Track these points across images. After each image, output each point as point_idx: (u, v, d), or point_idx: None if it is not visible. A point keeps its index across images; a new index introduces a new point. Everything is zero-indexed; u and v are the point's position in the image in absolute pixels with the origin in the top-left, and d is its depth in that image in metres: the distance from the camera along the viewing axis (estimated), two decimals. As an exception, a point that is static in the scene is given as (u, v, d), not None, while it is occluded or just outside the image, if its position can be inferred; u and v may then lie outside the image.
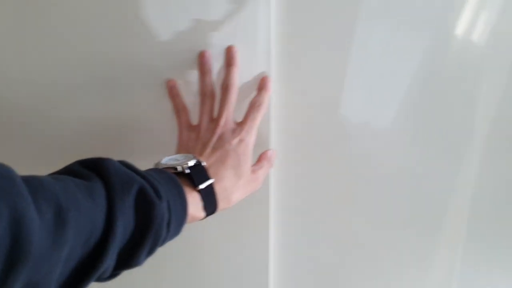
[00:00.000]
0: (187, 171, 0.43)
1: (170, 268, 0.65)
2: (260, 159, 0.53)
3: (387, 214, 0.63)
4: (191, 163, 0.44)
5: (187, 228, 0.43)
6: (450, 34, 0.55)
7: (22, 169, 0.32)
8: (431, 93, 0.57)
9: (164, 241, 0.39)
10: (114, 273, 0.37)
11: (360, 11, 0.52)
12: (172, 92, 0.53)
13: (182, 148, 0.51)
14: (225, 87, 0.51)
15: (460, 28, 0.54)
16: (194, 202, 0.42)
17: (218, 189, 0.45)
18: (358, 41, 0.54)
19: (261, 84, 0.53)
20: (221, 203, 0.45)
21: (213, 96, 0.52)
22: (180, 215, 0.40)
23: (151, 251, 0.38)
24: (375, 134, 0.59)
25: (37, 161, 0.56)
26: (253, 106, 0.51)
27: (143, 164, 0.42)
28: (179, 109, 0.53)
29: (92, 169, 0.37)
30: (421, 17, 0.53)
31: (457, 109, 0.58)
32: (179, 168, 0.43)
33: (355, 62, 0.55)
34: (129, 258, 0.36)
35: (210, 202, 0.44)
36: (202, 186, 0.43)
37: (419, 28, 0.54)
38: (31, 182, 0.31)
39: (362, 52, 0.54)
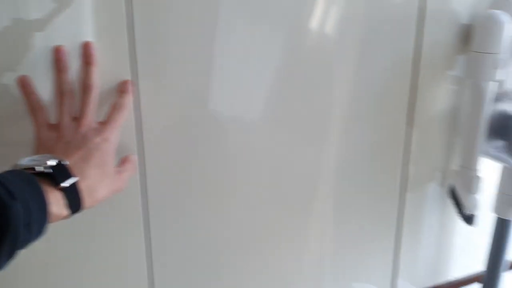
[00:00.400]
0: (48, 170, 0.42)
1: (41, 268, 0.61)
2: (123, 162, 0.54)
3: (262, 202, 0.67)
4: (52, 162, 0.43)
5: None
6: (304, 28, 0.60)
7: None
8: (292, 83, 0.62)
9: (26, 243, 0.38)
10: None
11: (220, 8, 0.56)
12: (26, 89, 0.50)
13: (42, 148, 0.49)
14: (86, 87, 0.51)
15: (313, 22, 0.60)
16: (56, 201, 0.41)
17: (82, 187, 0.45)
18: (220, 37, 0.56)
19: (122, 87, 0.54)
20: (87, 202, 0.45)
21: (72, 94, 0.51)
22: (40, 215, 0.39)
23: (11, 254, 0.37)
24: (245, 126, 0.62)
25: None
26: (115, 108, 0.52)
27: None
28: (35, 108, 0.51)
29: None
30: (277, 12, 0.58)
31: (316, 95, 0.64)
32: (39, 168, 0.42)
33: (219, 57, 0.57)
34: None
35: (74, 201, 0.43)
36: (65, 185, 0.42)
37: (277, 23, 0.59)
38: None
39: (225, 47, 0.57)
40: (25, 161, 0.43)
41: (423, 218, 0.81)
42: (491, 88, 0.69)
